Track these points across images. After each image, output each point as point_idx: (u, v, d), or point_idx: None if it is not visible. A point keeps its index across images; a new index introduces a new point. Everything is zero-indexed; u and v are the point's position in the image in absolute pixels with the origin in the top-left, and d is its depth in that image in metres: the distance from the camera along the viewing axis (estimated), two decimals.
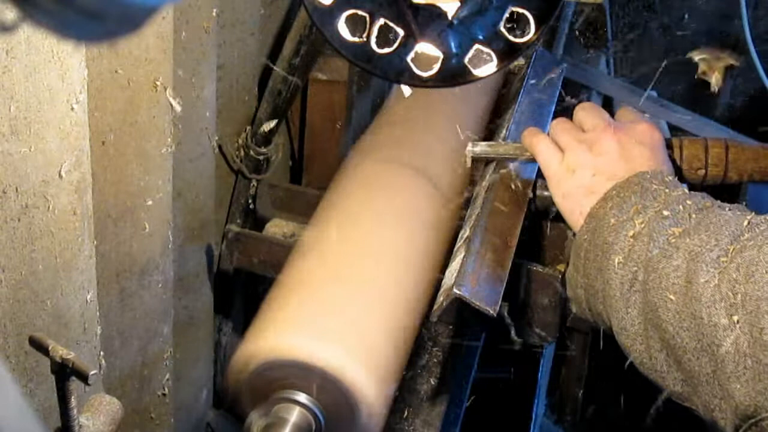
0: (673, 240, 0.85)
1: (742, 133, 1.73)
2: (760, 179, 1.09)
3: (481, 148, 1.15)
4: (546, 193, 1.18)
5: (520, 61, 1.38)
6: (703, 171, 1.08)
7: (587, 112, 1.06)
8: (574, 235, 1.01)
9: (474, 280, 0.96)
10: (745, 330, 0.75)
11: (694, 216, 0.87)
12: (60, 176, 0.91)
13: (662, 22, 2.28)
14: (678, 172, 1.07)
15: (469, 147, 1.15)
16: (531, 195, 1.15)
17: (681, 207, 0.89)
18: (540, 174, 1.17)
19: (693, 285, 0.80)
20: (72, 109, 0.90)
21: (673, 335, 0.82)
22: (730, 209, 0.88)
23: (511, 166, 1.14)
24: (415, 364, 1.19)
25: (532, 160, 1.10)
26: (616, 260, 0.89)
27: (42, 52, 0.84)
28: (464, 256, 0.99)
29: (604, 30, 1.96)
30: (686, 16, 2.28)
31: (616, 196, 0.94)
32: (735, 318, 0.75)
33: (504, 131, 1.25)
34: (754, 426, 0.76)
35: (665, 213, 0.88)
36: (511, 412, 1.50)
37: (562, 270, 1.16)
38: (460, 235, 1.08)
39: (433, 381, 1.18)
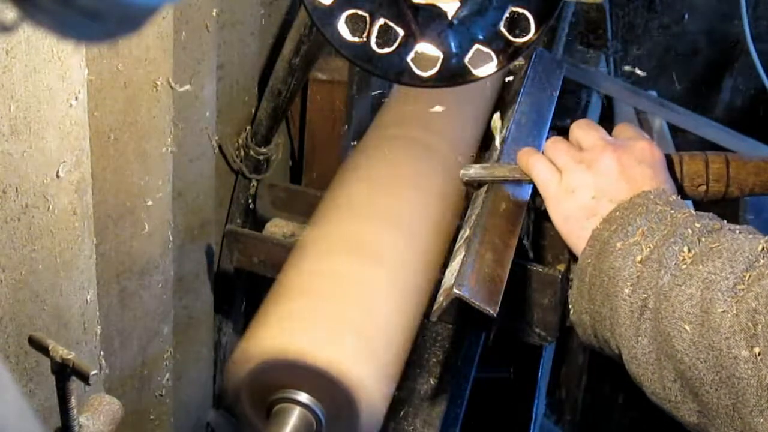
0: (684, 267, 0.82)
1: (741, 133, 1.74)
2: (761, 193, 1.08)
3: (475, 170, 1.12)
4: None
5: (520, 61, 1.38)
6: (704, 187, 1.07)
7: (584, 131, 1.03)
8: (575, 259, 0.99)
9: (474, 280, 0.96)
10: (767, 362, 0.72)
11: (704, 240, 0.85)
12: (60, 176, 0.91)
13: (662, 22, 2.28)
14: (679, 188, 1.05)
15: (463, 171, 1.12)
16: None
17: (690, 230, 0.86)
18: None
19: (710, 315, 0.77)
20: (72, 108, 0.90)
21: (689, 366, 0.79)
22: (740, 232, 0.86)
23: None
24: (415, 364, 1.19)
25: (529, 182, 1.07)
26: (625, 287, 0.86)
27: (42, 52, 0.84)
28: (464, 256, 0.99)
29: (604, 30, 1.96)
30: (686, 16, 2.28)
31: (620, 218, 0.92)
32: (756, 350, 0.73)
33: (504, 131, 1.25)
34: None
35: (673, 237, 0.86)
36: (511, 412, 1.50)
37: (562, 270, 1.16)
38: (460, 235, 1.08)
39: (433, 381, 1.18)
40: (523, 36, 0.94)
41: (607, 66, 2.08)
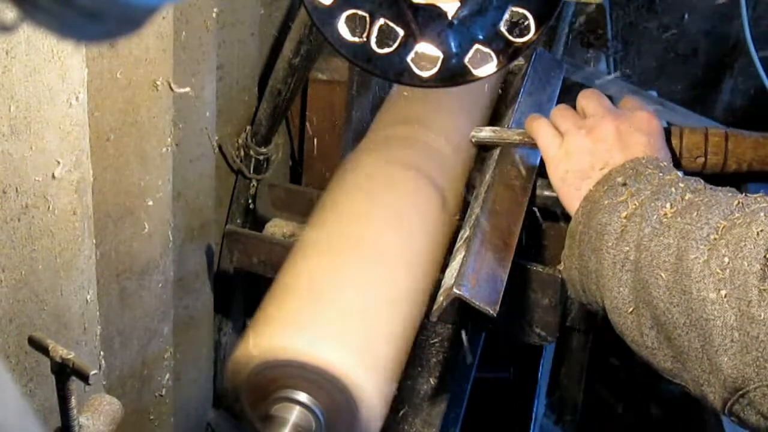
0: (665, 220, 0.87)
1: None
2: (759, 168, 1.09)
3: (486, 133, 1.19)
4: (546, 193, 1.19)
5: (520, 61, 1.38)
6: (703, 159, 1.09)
7: (588, 100, 1.08)
8: (568, 221, 1.04)
9: (474, 280, 0.96)
10: (733, 304, 0.77)
11: (687, 197, 0.89)
12: (60, 176, 0.91)
13: (662, 22, 2.28)
14: (677, 160, 1.08)
15: (473, 132, 1.19)
16: (531, 194, 1.15)
17: (673, 189, 0.91)
18: (540, 174, 1.18)
19: (683, 262, 0.82)
20: (72, 108, 0.90)
21: (663, 311, 0.83)
22: (721, 191, 0.90)
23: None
24: (415, 364, 1.19)
25: (535, 146, 1.11)
26: (609, 240, 0.91)
27: (42, 52, 0.84)
28: (464, 256, 0.99)
29: (604, 30, 1.96)
30: (686, 16, 2.28)
31: (610, 180, 0.97)
32: (723, 293, 0.77)
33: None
34: (741, 398, 0.77)
35: (658, 195, 0.90)
36: (511, 412, 1.50)
37: (563, 270, 1.16)
38: (460, 235, 1.08)
39: (433, 381, 1.18)
40: (523, 36, 0.94)
41: (607, 66, 2.08)
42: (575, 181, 1.01)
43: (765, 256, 0.76)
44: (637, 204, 0.91)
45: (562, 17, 1.84)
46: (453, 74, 0.96)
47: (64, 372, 0.81)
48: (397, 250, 0.99)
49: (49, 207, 0.91)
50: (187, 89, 1.18)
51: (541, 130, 1.08)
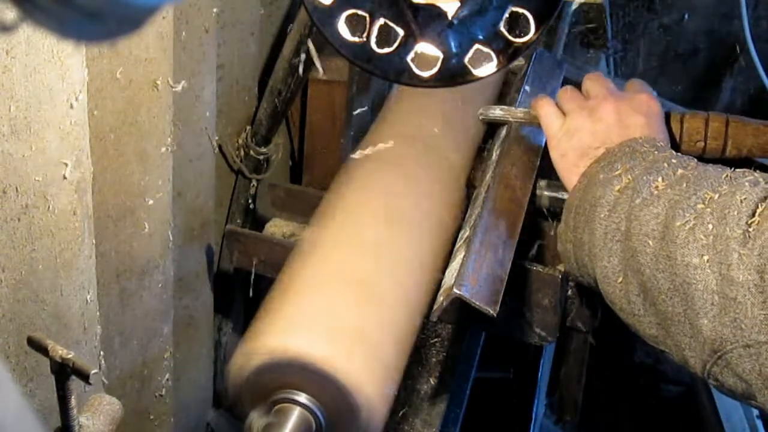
0: (656, 192, 0.90)
1: None
2: (759, 155, 1.11)
3: (493, 111, 1.22)
4: (546, 193, 1.19)
5: (520, 61, 1.38)
6: (702, 144, 1.11)
7: (593, 82, 1.12)
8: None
9: (474, 280, 0.96)
10: (714, 268, 0.80)
11: (679, 171, 0.92)
12: (60, 176, 0.91)
13: (662, 22, 2.28)
14: (678, 144, 1.11)
15: (482, 110, 1.22)
16: (531, 194, 1.15)
17: (666, 164, 0.94)
18: (540, 174, 1.18)
19: (670, 229, 0.85)
20: (72, 108, 0.90)
21: (649, 277, 0.87)
22: (711, 167, 0.93)
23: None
24: (415, 364, 1.19)
25: (540, 125, 1.15)
26: (602, 212, 0.94)
27: (42, 52, 0.84)
28: (464, 256, 0.99)
29: (604, 30, 1.96)
30: (686, 16, 2.28)
31: (607, 157, 1.00)
32: (705, 258, 0.80)
33: (504, 131, 1.25)
34: (719, 360, 0.80)
35: (651, 170, 0.94)
36: (511, 412, 1.50)
37: (562, 270, 1.16)
38: (460, 235, 1.08)
39: (433, 381, 1.18)
40: (523, 36, 0.94)
41: (607, 66, 2.08)
42: (575, 159, 1.04)
43: (747, 222, 0.79)
44: (631, 178, 0.94)
45: (562, 17, 1.84)
46: (453, 74, 0.96)
47: (64, 372, 0.81)
48: (398, 250, 0.99)
49: (49, 207, 0.91)
50: (187, 87, 1.18)
51: (545, 109, 1.12)
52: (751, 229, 0.79)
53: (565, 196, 1.07)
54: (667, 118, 1.10)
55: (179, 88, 1.15)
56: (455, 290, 0.93)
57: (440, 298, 0.96)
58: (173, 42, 1.11)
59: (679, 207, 0.86)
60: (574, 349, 1.68)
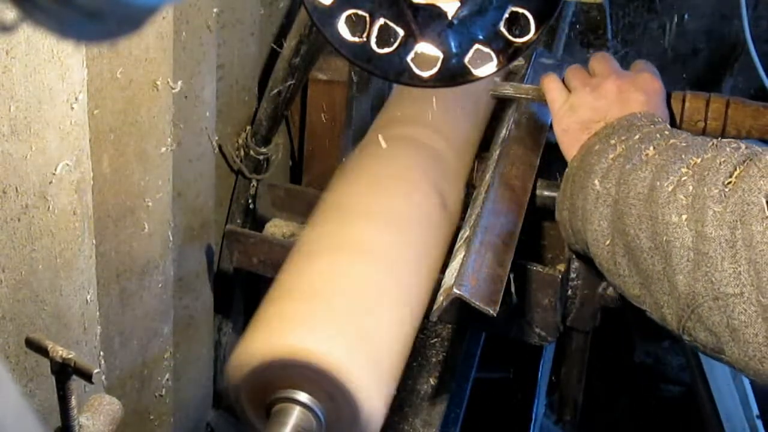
0: (645, 158, 0.94)
1: None
2: (758, 137, 1.12)
3: (503, 88, 1.25)
4: (546, 193, 1.19)
5: (520, 61, 1.38)
6: (703, 124, 1.13)
7: (598, 62, 1.17)
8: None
9: (474, 279, 0.96)
10: (691, 226, 0.83)
11: (671, 141, 0.96)
12: (60, 176, 0.91)
13: (662, 22, 2.28)
14: (678, 123, 1.14)
15: (492, 87, 1.26)
16: (531, 194, 1.15)
17: (659, 135, 0.98)
18: (540, 174, 1.18)
19: (654, 191, 0.89)
20: (72, 109, 0.90)
21: (633, 237, 0.91)
22: (701, 138, 0.96)
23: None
24: (415, 364, 1.19)
25: (545, 101, 1.18)
26: (595, 179, 0.98)
27: (42, 52, 0.84)
28: (464, 256, 0.99)
29: (604, 30, 1.96)
30: (686, 16, 2.28)
31: (605, 130, 1.04)
32: (684, 217, 0.84)
33: (504, 131, 1.25)
34: (692, 314, 0.84)
35: (644, 140, 0.97)
36: (511, 412, 1.50)
37: (562, 270, 1.16)
38: (460, 235, 1.08)
39: (433, 381, 1.18)
40: (523, 36, 0.94)
41: None
42: (576, 133, 1.08)
43: (724, 183, 0.82)
44: (624, 148, 0.98)
45: (562, 17, 1.84)
46: (453, 74, 0.96)
47: (65, 372, 0.81)
48: (398, 250, 0.99)
49: (49, 207, 0.91)
50: (187, 87, 1.18)
51: (551, 86, 1.17)
52: (727, 189, 0.82)
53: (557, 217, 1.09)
54: (669, 97, 1.13)
55: (179, 88, 1.15)
56: (455, 290, 0.93)
57: (440, 298, 0.96)
58: (173, 42, 1.11)
59: (664, 171, 0.89)
60: (574, 349, 1.68)
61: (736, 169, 0.83)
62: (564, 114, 1.11)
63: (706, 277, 0.81)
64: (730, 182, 0.82)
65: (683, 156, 0.90)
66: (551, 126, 1.18)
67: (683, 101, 1.14)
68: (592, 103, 1.09)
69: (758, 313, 0.78)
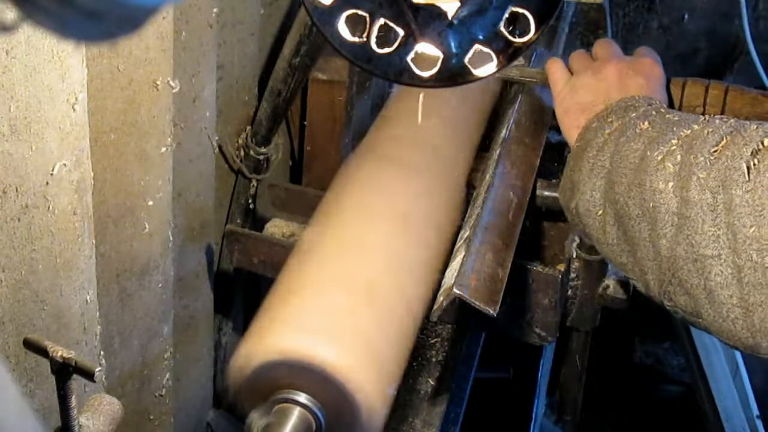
0: (639, 131, 0.96)
1: None
2: None
3: (509, 71, 1.26)
4: (546, 193, 1.19)
5: (520, 61, 1.38)
6: (701, 109, 1.14)
7: (602, 47, 1.19)
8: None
9: (474, 280, 0.96)
10: (677, 193, 0.86)
11: (667, 117, 0.98)
12: (60, 176, 0.91)
13: (662, 22, 2.28)
14: (676, 108, 1.15)
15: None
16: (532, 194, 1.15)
17: (654, 112, 1.00)
18: (540, 174, 1.18)
19: (644, 160, 0.91)
20: (72, 108, 0.90)
21: (622, 205, 0.93)
22: (694, 114, 0.98)
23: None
24: (415, 364, 1.19)
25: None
26: (591, 152, 1.00)
27: (42, 52, 0.84)
28: (464, 256, 0.98)
29: (604, 30, 1.95)
30: (686, 16, 2.28)
31: (604, 111, 1.06)
32: (670, 184, 0.86)
33: (504, 131, 1.25)
34: (673, 278, 0.86)
35: (640, 116, 0.99)
36: (511, 412, 1.50)
37: (562, 270, 1.16)
38: (460, 235, 1.08)
39: (433, 381, 1.18)
40: (523, 36, 0.94)
41: None
42: (576, 114, 1.10)
43: (710, 150, 0.85)
44: (621, 123, 1.00)
45: (562, 17, 1.84)
46: (453, 74, 0.96)
47: (66, 371, 0.81)
48: (398, 251, 0.99)
49: (49, 207, 0.91)
50: (187, 87, 1.18)
51: (554, 67, 1.20)
52: (712, 157, 0.84)
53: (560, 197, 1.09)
54: (668, 83, 1.15)
55: (179, 88, 1.15)
56: (455, 290, 0.93)
57: (440, 298, 0.96)
58: (173, 42, 1.11)
59: (656, 142, 0.92)
60: (574, 349, 1.68)
61: (723, 139, 0.86)
62: (565, 95, 1.14)
63: (687, 240, 0.84)
64: (716, 150, 0.85)
65: (674, 129, 0.93)
66: (554, 114, 1.19)
67: (683, 87, 1.15)
68: (593, 85, 1.11)
69: (733, 274, 0.80)
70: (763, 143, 0.81)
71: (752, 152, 0.81)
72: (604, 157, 0.98)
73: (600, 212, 0.98)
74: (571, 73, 1.17)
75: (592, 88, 1.11)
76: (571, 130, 1.10)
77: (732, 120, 0.90)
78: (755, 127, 0.85)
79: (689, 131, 0.90)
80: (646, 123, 0.97)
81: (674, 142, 0.90)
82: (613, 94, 1.08)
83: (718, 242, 0.81)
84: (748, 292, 0.79)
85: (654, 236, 0.88)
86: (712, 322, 0.84)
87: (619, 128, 0.99)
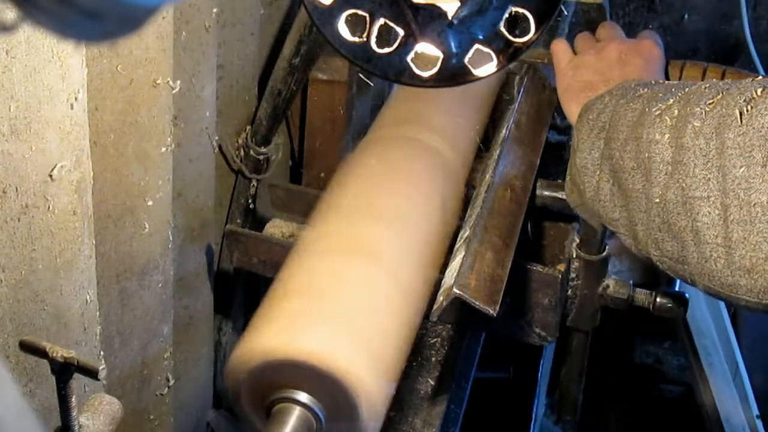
0: (639, 95, 0.98)
1: None
2: None
3: None
4: (546, 193, 1.19)
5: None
6: None
7: (605, 29, 1.24)
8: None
9: (474, 279, 0.96)
10: (672, 143, 0.87)
11: (666, 83, 0.99)
12: (60, 176, 0.91)
13: (662, 22, 2.28)
14: None
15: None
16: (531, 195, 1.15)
17: (653, 82, 1.02)
18: (540, 174, 1.18)
19: (642, 116, 0.93)
20: (72, 108, 0.90)
21: (617, 159, 0.94)
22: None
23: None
24: (415, 364, 1.19)
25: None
26: (591, 115, 1.02)
27: (42, 52, 0.84)
28: (464, 256, 0.99)
29: None
30: (686, 16, 2.28)
31: (603, 92, 1.07)
32: (666, 136, 0.88)
33: (504, 131, 1.25)
34: (663, 224, 0.87)
35: (640, 86, 1.01)
36: (511, 412, 1.50)
37: (562, 270, 1.16)
38: (460, 235, 1.08)
39: (432, 381, 1.18)
40: (523, 36, 0.94)
41: None
42: (576, 93, 1.11)
43: (706, 102, 0.85)
44: (621, 90, 1.02)
45: (562, 17, 1.84)
46: (453, 74, 0.96)
47: (67, 371, 0.81)
48: (398, 250, 0.99)
49: (49, 207, 0.91)
50: (187, 87, 1.18)
51: (558, 47, 1.22)
52: (708, 108, 0.85)
53: (565, 196, 1.08)
54: (667, 65, 1.18)
55: (179, 88, 1.15)
56: (455, 290, 0.93)
57: (440, 298, 0.96)
58: (173, 42, 1.11)
59: (654, 100, 0.93)
60: (574, 349, 1.68)
61: (719, 93, 0.87)
62: (567, 73, 1.16)
63: (677, 184, 0.85)
64: (711, 102, 0.86)
65: (674, 89, 0.94)
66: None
67: (681, 69, 1.18)
68: (594, 64, 1.14)
69: (720, 215, 0.81)
70: (756, 92, 0.82)
71: (746, 100, 0.82)
72: (605, 119, 1.00)
73: (597, 168, 0.99)
74: (575, 54, 1.20)
75: (593, 67, 1.14)
76: (570, 104, 1.12)
77: (729, 81, 0.92)
78: (750, 80, 0.87)
79: (687, 89, 0.92)
80: (647, 89, 0.99)
81: (671, 100, 0.92)
82: (614, 74, 1.11)
83: (708, 185, 0.82)
84: (732, 229, 0.80)
85: (648, 186, 0.89)
86: (696, 265, 0.84)
87: (618, 93, 1.02)
